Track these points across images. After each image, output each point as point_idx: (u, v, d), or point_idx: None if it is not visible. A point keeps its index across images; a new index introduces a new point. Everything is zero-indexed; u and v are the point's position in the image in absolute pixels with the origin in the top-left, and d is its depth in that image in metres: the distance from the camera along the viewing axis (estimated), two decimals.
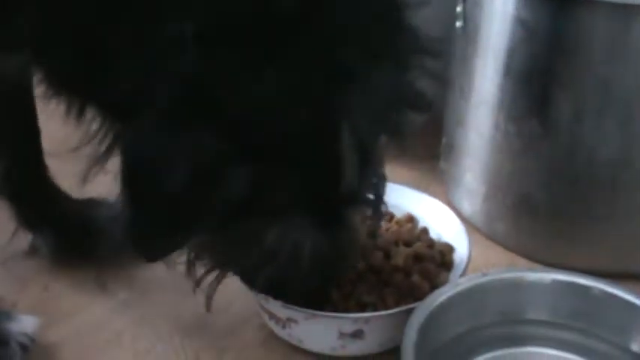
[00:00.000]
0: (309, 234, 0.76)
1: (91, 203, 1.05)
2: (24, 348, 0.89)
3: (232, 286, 0.91)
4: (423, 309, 0.84)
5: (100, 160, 0.77)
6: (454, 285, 0.87)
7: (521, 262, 1.03)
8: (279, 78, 0.67)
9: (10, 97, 0.95)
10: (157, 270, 1.01)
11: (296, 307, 0.85)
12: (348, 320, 0.85)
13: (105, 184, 1.09)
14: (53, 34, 0.71)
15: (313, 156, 0.71)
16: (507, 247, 1.05)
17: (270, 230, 0.75)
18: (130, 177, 0.69)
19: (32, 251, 1.01)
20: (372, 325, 0.86)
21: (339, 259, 0.81)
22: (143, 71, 0.68)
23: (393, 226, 0.97)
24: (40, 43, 0.73)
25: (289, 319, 0.87)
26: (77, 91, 0.76)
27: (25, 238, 1.01)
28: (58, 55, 0.73)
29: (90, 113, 0.77)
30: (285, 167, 0.70)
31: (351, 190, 0.73)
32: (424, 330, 0.82)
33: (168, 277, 1.00)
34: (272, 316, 0.89)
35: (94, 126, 0.78)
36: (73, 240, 1.02)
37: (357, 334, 0.86)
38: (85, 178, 0.79)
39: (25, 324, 0.90)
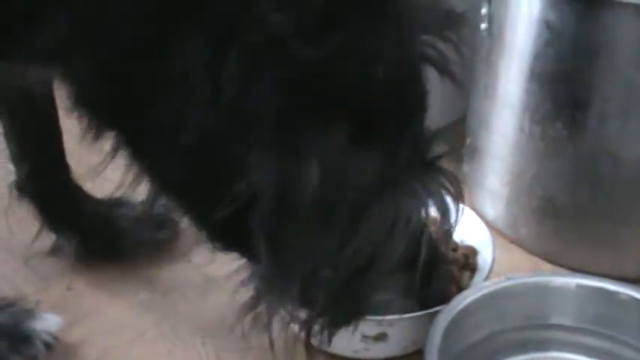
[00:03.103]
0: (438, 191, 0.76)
1: (113, 203, 1.05)
2: (47, 346, 0.90)
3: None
4: (446, 312, 0.83)
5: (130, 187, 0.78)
6: (478, 289, 0.87)
7: (545, 266, 1.02)
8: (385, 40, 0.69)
9: (32, 99, 0.95)
10: (179, 270, 1.02)
11: None
12: (372, 323, 0.85)
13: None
14: (85, 49, 0.71)
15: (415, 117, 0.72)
16: (531, 251, 1.04)
17: (407, 200, 0.73)
18: (264, 198, 0.68)
19: (55, 251, 1.02)
20: (396, 328, 0.85)
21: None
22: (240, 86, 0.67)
23: None
24: (70, 58, 0.72)
25: None
26: (103, 114, 0.76)
27: (48, 238, 1.01)
28: (89, 73, 0.72)
29: (108, 139, 0.77)
30: (395, 132, 0.71)
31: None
32: (448, 333, 0.81)
33: (189, 277, 1.01)
34: (294, 318, 0.89)
35: (111, 152, 0.78)
36: (96, 240, 1.02)
37: (381, 337, 0.86)
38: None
39: (48, 322, 0.91)
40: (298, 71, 0.66)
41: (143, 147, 0.75)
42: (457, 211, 0.78)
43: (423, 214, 0.75)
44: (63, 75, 0.76)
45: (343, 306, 0.78)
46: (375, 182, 0.70)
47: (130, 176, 0.77)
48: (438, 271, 0.83)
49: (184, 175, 0.73)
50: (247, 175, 0.68)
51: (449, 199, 0.77)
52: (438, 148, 0.76)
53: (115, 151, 0.77)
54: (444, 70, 0.74)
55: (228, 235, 0.76)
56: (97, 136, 0.76)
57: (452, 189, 0.77)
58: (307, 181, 0.67)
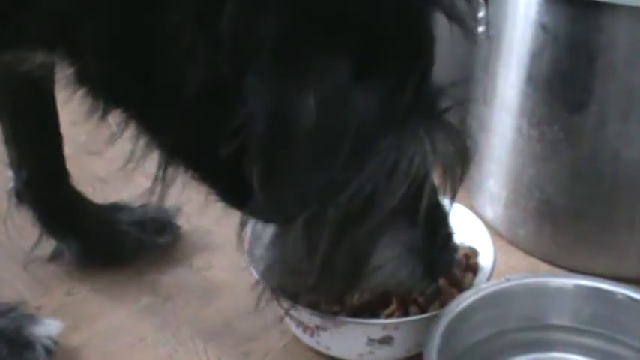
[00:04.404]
0: (442, 139, 0.73)
1: (112, 208, 1.06)
2: (48, 351, 0.90)
3: (255, 291, 0.91)
4: (446, 314, 0.84)
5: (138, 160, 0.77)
6: (477, 290, 0.87)
7: (543, 267, 1.03)
8: None
9: (33, 103, 0.95)
10: (180, 275, 1.02)
11: (325, 314, 0.85)
12: (378, 326, 0.85)
13: (126, 189, 1.11)
14: (88, 29, 0.70)
15: (415, 56, 0.70)
16: (529, 252, 1.05)
17: (408, 143, 0.71)
18: (259, 128, 0.66)
19: (56, 256, 1.02)
20: (401, 330, 0.85)
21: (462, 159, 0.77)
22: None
23: None
24: (73, 38, 0.72)
25: (318, 327, 0.87)
26: (108, 91, 0.75)
27: (48, 243, 1.02)
28: (91, 49, 0.71)
29: (114, 115, 0.76)
30: (397, 73, 0.69)
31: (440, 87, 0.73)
32: (447, 335, 0.82)
33: (191, 282, 1.01)
34: (299, 323, 0.89)
35: (119, 128, 0.77)
36: (96, 245, 1.02)
37: (386, 340, 0.86)
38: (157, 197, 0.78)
39: (49, 327, 0.91)
40: None
41: (149, 115, 0.74)
42: (462, 168, 0.76)
43: (427, 161, 0.72)
44: (66, 55, 0.75)
45: (346, 254, 0.75)
46: (377, 122, 0.68)
47: (139, 148, 0.77)
48: (442, 228, 0.81)
49: (191, 128, 0.72)
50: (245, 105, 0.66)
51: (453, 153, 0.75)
52: (445, 102, 0.74)
53: (124, 125, 0.76)
54: (453, 16, 0.73)
55: (234, 183, 0.73)
56: (104, 115, 0.76)
57: (457, 143, 0.75)
58: (304, 110, 0.65)
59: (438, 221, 0.81)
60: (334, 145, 0.67)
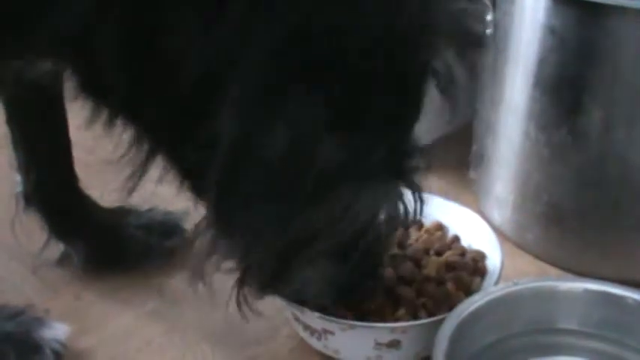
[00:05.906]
0: (397, 198, 0.77)
1: (120, 212, 1.06)
2: (57, 354, 0.90)
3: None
4: (453, 318, 0.83)
5: (140, 170, 0.78)
6: (485, 294, 0.87)
7: (552, 271, 1.03)
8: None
9: (41, 106, 0.96)
10: (187, 279, 1.02)
11: (332, 318, 0.85)
12: (386, 330, 0.85)
13: (134, 193, 1.11)
14: (96, 38, 0.70)
15: (400, 108, 0.71)
16: (537, 256, 1.05)
17: (364, 197, 0.72)
18: (226, 154, 0.68)
19: (64, 260, 1.02)
20: (409, 334, 0.85)
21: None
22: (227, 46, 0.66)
23: (423, 235, 0.97)
24: (82, 50, 0.72)
25: (325, 331, 0.87)
26: (115, 100, 0.75)
27: (56, 247, 1.02)
28: (100, 63, 0.72)
29: (121, 123, 0.77)
30: (375, 130, 0.70)
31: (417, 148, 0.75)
32: (455, 339, 0.82)
33: (197, 286, 1.01)
34: (307, 327, 0.89)
35: (125, 136, 0.77)
36: (104, 249, 1.02)
37: (394, 344, 0.86)
38: (127, 189, 0.80)
39: (57, 331, 0.91)
40: (289, 29, 0.65)
41: (151, 119, 0.75)
42: (404, 222, 0.80)
43: (379, 217, 0.76)
44: (72, 65, 0.76)
45: (272, 268, 0.78)
46: (343, 170, 0.69)
47: (143, 153, 0.77)
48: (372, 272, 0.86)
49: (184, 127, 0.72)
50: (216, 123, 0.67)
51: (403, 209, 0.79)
52: (417, 162, 0.75)
53: (133, 141, 0.77)
54: (445, 90, 0.74)
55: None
56: (109, 123, 0.77)
57: (409, 204, 0.78)
58: (271, 143, 0.66)
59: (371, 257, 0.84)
60: (293, 182, 0.68)
